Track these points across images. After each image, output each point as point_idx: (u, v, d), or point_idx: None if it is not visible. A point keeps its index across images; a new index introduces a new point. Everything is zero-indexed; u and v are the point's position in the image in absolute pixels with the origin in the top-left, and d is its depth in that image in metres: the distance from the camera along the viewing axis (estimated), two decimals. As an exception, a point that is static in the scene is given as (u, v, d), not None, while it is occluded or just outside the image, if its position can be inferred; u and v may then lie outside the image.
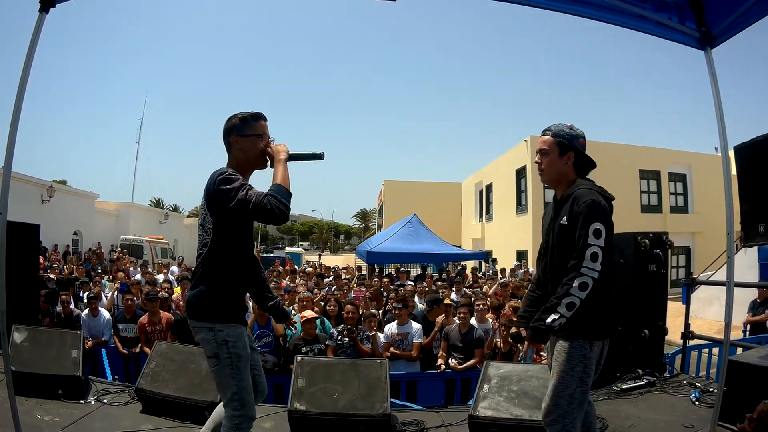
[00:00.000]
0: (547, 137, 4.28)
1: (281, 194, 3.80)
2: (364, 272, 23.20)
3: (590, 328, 3.93)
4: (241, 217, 3.92)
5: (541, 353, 9.15)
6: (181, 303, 11.29)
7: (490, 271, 24.92)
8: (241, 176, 3.96)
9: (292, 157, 4.17)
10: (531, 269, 23.28)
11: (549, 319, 3.79)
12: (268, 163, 4.21)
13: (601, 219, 3.82)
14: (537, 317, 3.96)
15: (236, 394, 3.97)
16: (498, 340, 9.26)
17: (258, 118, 4.22)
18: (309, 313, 8.84)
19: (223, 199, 3.78)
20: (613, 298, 4.09)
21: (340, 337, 8.85)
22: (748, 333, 13.09)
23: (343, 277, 17.83)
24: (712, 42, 5.10)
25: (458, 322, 9.37)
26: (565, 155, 4.23)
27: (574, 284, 3.73)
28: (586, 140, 4.32)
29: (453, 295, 13.78)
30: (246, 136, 4.14)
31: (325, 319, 9.75)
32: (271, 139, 4.25)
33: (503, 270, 23.99)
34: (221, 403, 4.24)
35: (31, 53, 4.53)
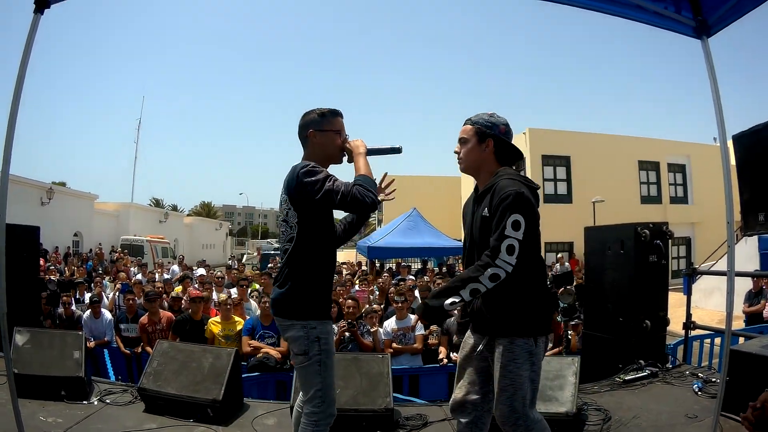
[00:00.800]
0: (466, 126, 4.18)
1: (368, 183, 3.89)
2: (364, 268, 23.20)
3: (533, 323, 3.83)
4: (329, 208, 4.01)
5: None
6: (184, 299, 11.29)
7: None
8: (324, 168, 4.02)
9: (371, 152, 4.27)
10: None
11: (448, 301, 3.63)
12: (345, 159, 4.31)
13: (521, 210, 3.64)
14: (433, 293, 3.82)
15: (320, 391, 3.98)
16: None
17: (335, 114, 4.28)
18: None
19: (309, 191, 3.83)
20: (547, 292, 4.12)
21: (337, 332, 8.85)
22: (748, 323, 13.14)
23: (344, 273, 17.80)
24: (708, 31, 5.09)
25: (457, 314, 9.36)
26: (484, 143, 4.08)
27: (485, 272, 3.57)
28: (509, 128, 4.17)
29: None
30: (324, 131, 4.20)
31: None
32: (347, 135, 4.33)
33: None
34: (297, 402, 4.34)
35: (27, 54, 4.51)
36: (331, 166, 4.27)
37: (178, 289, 13.73)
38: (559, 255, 28.23)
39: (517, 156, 4.20)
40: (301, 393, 4.16)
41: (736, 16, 4.94)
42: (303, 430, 3.98)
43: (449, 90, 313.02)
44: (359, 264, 24.83)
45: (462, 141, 4.16)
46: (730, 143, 5.36)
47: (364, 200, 3.76)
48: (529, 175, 31.99)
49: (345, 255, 57.42)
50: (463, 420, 4.16)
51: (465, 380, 4.22)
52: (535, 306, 3.83)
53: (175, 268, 24.79)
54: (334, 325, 9.24)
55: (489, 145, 4.06)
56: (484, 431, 4.14)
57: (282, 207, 4.13)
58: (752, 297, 13.35)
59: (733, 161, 6.03)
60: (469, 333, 4.24)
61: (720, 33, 5.16)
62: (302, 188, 3.85)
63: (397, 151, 4.43)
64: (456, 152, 4.23)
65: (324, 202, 3.81)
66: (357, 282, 15.43)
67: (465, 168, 4.21)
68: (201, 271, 20.40)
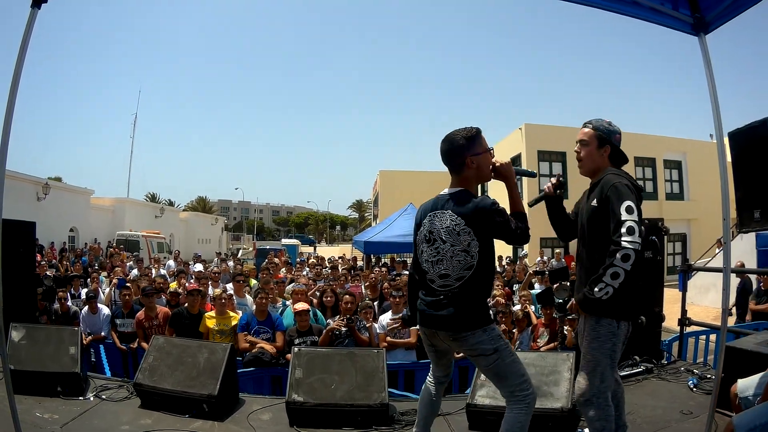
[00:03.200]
0: (587, 129, 4.55)
1: (525, 220, 4.29)
2: (360, 263, 23.21)
3: (618, 307, 4.14)
4: (504, 241, 4.28)
5: (537, 340, 9.20)
6: (181, 294, 11.29)
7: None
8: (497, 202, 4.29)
9: (515, 173, 4.64)
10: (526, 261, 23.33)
11: (596, 289, 3.98)
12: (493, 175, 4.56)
13: (630, 198, 4.03)
14: (586, 289, 4.12)
15: (523, 376, 4.24)
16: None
17: (480, 132, 4.42)
18: (301, 305, 8.81)
19: (501, 231, 4.17)
20: (639, 282, 4.26)
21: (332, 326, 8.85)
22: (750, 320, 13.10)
23: (339, 269, 17.80)
24: (705, 28, 5.08)
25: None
26: (602, 148, 4.50)
27: (617, 256, 3.87)
28: (620, 135, 4.58)
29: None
30: (479, 154, 4.36)
31: (317, 311, 9.72)
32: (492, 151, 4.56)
33: (499, 258, 24.02)
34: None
35: (24, 50, 4.50)
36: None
37: (174, 284, 13.73)
38: (557, 251, 28.20)
39: (624, 161, 4.64)
40: (500, 389, 4.37)
41: (734, 14, 4.94)
42: (519, 415, 4.17)
43: (445, 84, 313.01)
44: (354, 259, 24.83)
45: (582, 143, 4.58)
46: (726, 140, 5.38)
47: (526, 237, 4.22)
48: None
49: (340, 250, 57.51)
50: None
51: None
52: (625, 291, 4.02)
53: (171, 263, 24.78)
54: (329, 320, 9.26)
55: (607, 150, 4.51)
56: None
57: (456, 238, 4.23)
58: (761, 294, 13.33)
59: (729, 158, 6.04)
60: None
61: (717, 29, 5.16)
62: (494, 226, 4.16)
63: (532, 175, 5.11)
64: (576, 151, 4.66)
65: (506, 238, 4.20)
66: (350, 278, 15.37)
67: (585, 170, 4.65)
68: (199, 266, 20.41)
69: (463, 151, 4.31)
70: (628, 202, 4.00)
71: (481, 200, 4.23)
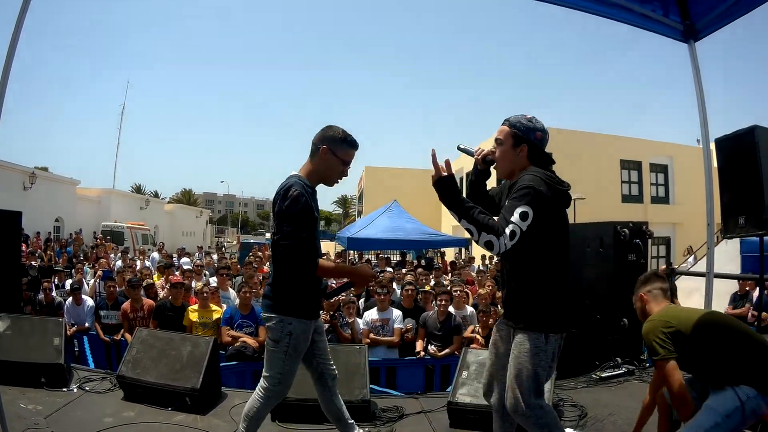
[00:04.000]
0: (503, 127, 4.10)
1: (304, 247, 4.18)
2: (350, 258, 23.29)
3: (546, 320, 3.85)
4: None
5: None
6: (165, 288, 11.32)
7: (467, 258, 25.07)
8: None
9: (331, 294, 5.01)
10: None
11: (458, 206, 3.68)
12: (335, 185, 4.63)
13: (531, 203, 3.57)
14: (454, 192, 3.74)
15: (280, 375, 4.36)
16: (477, 326, 9.35)
17: (353, 146, 4.51)
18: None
19: (279, 220, 4.19)
20: (569, 292, 4.00)
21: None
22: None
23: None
24: (695, 35, 5.14)
25: (436, 308, 9.41)
26: (518, 147, 4.00)
27: (486, 235, 3.52)
28: (546, 134, 4.08)
29: (433, 282, 13.79)
30: (335, 156, 4.41)
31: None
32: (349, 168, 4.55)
33: (483, 257, 24.09)
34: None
35: (15, 39, 4.50)
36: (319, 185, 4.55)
37: (156, 277, 13.75)
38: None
39: (549, 162, 4.10)
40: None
41: (724, 22, 4.99)
42: (257, 401, 4.41)
43: (431, 83, 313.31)
44: (338, 255, 24.83)
45: (497, 142, 4.12)
46: (713, 146, 5.42)
47: (287, 253, 4.14)
48: (510, 172, 32.12)
49: (324, 246, 57.43)
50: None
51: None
52: (553, 303, 3.87)
53: (155, 255, 24.74)
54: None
55: (523, 150, 4.00)
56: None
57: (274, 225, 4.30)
58: (737, 299, 13.41)
59: (715, 164, 6.09)
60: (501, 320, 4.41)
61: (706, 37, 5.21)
62: (277, 211, 4.23)
63: (471, 154, 4.42)
64: (492, 152, 4.21)
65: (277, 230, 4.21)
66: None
67: (500, 173, 4.23)
68: (185, 260, 20.40)
69: (326, 142, 4.40)
70: (524, 208, 3.55)
71: (286, 182, 4.31)
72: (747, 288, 13.48)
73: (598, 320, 7.86)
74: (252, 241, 40.91)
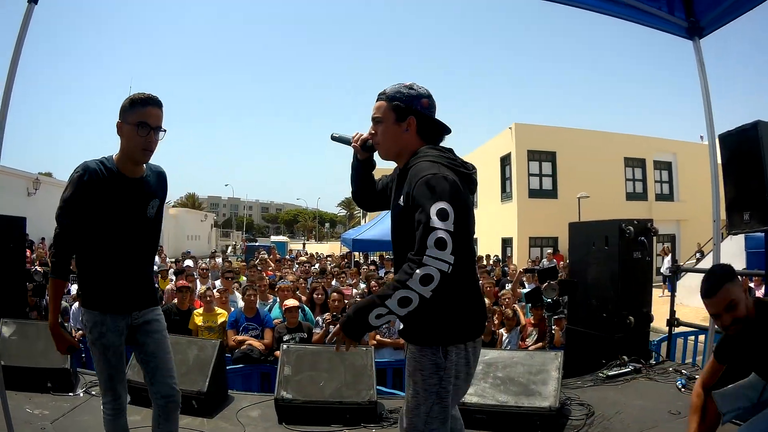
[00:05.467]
0: (380, 102, 3.36)
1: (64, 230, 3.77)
2: (357, 259, 23.32)
3: (444, 331, 3.14)
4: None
5: (526, 339, 9.21)
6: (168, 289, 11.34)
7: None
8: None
9: None
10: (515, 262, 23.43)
11: (373, 314, 2.95)
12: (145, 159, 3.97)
13: (445, 197, 2.93)
14: (357, 305, 3.10)
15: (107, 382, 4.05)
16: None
17: (144, 103, 3.77)
18: (291, 302, 8.84)
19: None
20: (475, 294, 3.35)
21: (324, 324, 8.87)
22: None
23: (328, 270, 17.81)
24: (700, 32, 5.12)
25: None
26: (404, 121, 3.29)
27: (414, 275, 2.83)
28: (433, 100, 3.40)
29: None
30: (128, 124, 3.76)
31: (306, 308, 9.74)
32: (163, 131, 3.90)
33: (487, 256, 24.10)
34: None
35: (20, 45, 4.50)
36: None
37: (162, 283, 13.78)
38: (548, 251, 28.28)
39: (444, 131, 3.45)
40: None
41: (728, 19, 4.97)
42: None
43: (433, 84, 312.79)
44: (344, 257, 24.83)
45: (376, 121, 3.39)
46: (717, 142, 5.40)
47: (58, 235, 3.80)
48: (514, 170, 32.02)
49: (330, 248, 57.48)
50: None
51: None
52: (452, 310, 3.14)
53: (156, 259, 24.74)
54: (319, 318, 9.28)
55: (411, 123, 3.30)
56: None
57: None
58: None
59: (719, 160, 6.07)
60: None
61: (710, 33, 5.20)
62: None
63: (347, 142, 3.74)
64: (372, 134, 3.47)
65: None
66: (347, 275, 15.33)
67: (384, 154, 3.49)
68: (188, 262, 20.38)
69: (120, 114, 3.79)
70: (440, 204, 2.90)
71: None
72: (752, 284, 13.45)
73: (604, 318, 7.84)
74: (257, 244, 40.96)
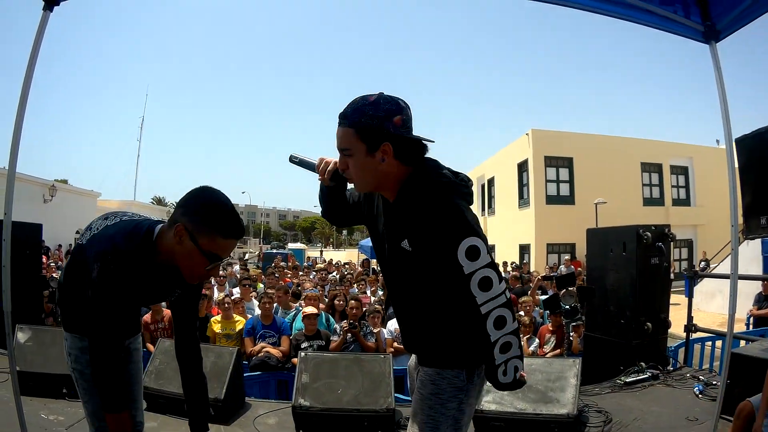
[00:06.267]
0: (344, 129, 2.72)
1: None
2: (373, 267, 23.32)
3: (470, 352, 2.78)
4: None
5: (544, 346, 9.17)
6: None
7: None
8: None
9: None
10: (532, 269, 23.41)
11: (503, 378, 2.67)
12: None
13: (468, 232, 2.56)
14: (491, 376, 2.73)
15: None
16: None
17: (231, 234, 2.98)
18: (310, 309, 8.83)
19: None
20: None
21: (341, 331, 8.86)
22: (751, 326, 13.12)
23: (345, 276, 17.81)
24: (716, 36, 5.07)
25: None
26: (378, 150, 2.68)
27: (489, 327, 2.56)
28: (406, 112, 2.74)
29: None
30: (195, 241, 2.89)
31: (329, 316, 9.73)
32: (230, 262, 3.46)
33: (505, 263, 24.06)
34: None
35: (35, 52, 4.50)
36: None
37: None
38: (566, 257, 28.21)
39: (420, 150, 2.80)
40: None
41: (745, 21, 4.92)
42: None
43: (450, 91, 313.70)
44: (363, 264, 24.84)
45: (345, 154, 2.78)
46: (734, 146, 5.37)
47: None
48: (531, 176, 31.98)
49: (347, 255, 57.50)
50: None
51: None
52: (468, 335, 2.71)
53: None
54: (337, 325, 9.28)
55: (387, 152, 2.68)
56: None
57: None
58: (762, 300, 13.34)
59: (736, 164, 6.03)
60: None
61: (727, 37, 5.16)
62: None
63: (312, 168, 3.14)
64: (342, 170, 2.87)
65: None
66: (355, 284, 15.29)
67: (362, 188, 2.96)
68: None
69: (186, 216, 2.90)
70: (467, 242, 2.53)
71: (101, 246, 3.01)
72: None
73: (622, 325, 7.81)
74: (275, 251, 40.95)
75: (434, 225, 2.57)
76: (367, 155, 2.68)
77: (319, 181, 3.12)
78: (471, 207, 2.76)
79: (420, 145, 2.78)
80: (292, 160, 3.20)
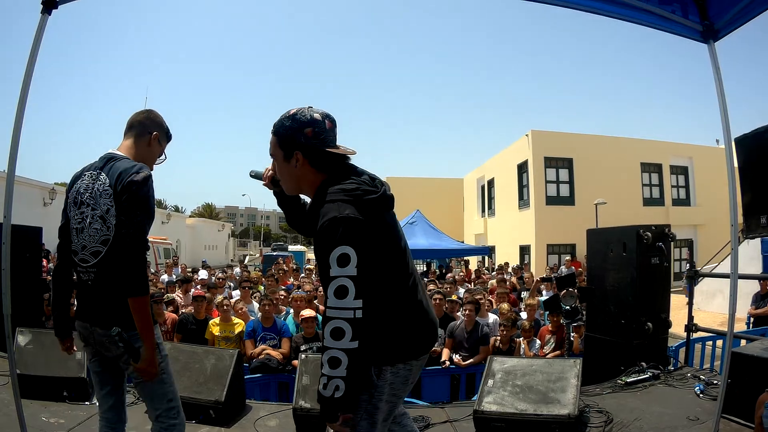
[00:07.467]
0: (272, 136, 3.20)
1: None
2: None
3: (377, 351, 3.02)
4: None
5: (544, 347, 9.18)
6: (181, 300, 11.36)
7: (494, 266, 25.15)
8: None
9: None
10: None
11: (320, 387, 2.85)
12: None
13: (344, 240, 2.78)
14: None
15: (172, 402, 3.93)
16: (497, 338, 9.28)
17: (169, 138, 4.26)
18: (308, 312, 8.85)
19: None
20: (414, 313, 3.20)
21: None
22: (752, 325, 13.11)
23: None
24: (715, 35, 5.08)
25: (463, 318, 9.36)
26: (292, 158, 3.10)
27: (326, 335, 2.76)
28: (325, 123, 3.10)
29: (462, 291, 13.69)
30: (160, 146, 4.14)
31: (321, 317, 9.71)
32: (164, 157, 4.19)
33: (506, 264, 24.05)
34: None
35: (34, 55, 4.51)
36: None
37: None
38: (566, 258, 28.19)
39: (338, 161, 3.15)
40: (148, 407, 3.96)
41: (743, 20, 4.93)
42: None
43: (450, 92, 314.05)
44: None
45: (272, 157, 3.26)
46: (733, 146, 5.37)
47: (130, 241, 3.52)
48: (531, 177, 31.95)
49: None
50: None
51: None
52: (384, 332, 3.03)
53: (178, 270, 24.82)
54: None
55: (299, 159, 3.09)
56: None
57: (106, 205, 3.66)
58: (759, 299, 13.33)
59: (735, 163, 6.04)
60: None
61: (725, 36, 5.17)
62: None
63: (258, 177, 3.64)
64: (273, 174, 3.40)
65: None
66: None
67: (287, 190, 3.37)
68: (202, 272, 20.40)
69: (156, 128, 4.07)
70: (340, 250, 2.76)
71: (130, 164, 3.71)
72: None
73: (622, 325, 7.81)
74: (275, 254, 40.98)
75: (321, 234, 2.82)
76: (284, 160, 3.13)
77: (265, 187, 3.53)
78: (377, 211, 3.01)
79: (332, 155, 3.09)
80: (250, 174, 3.68)
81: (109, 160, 3.78)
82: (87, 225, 3.73)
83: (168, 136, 4.20)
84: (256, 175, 3.61)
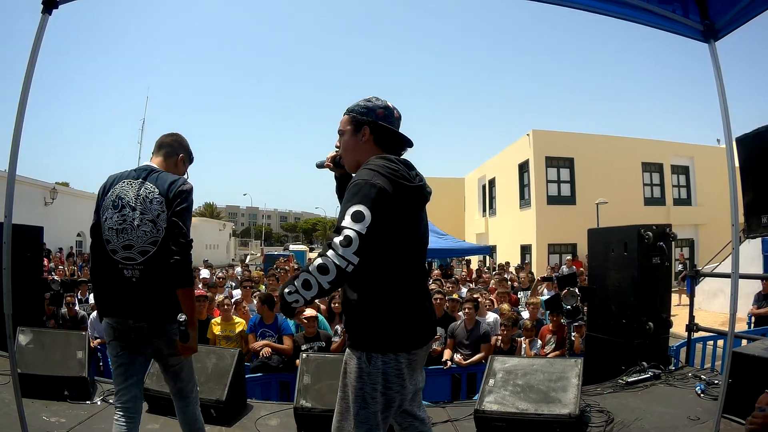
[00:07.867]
0: (344, 116, 3.54)
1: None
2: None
3: (370, 337, 3.23)
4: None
5: (545, 347, 9.17)
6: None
7: (495, 266, 25.14)
8: None
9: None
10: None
11: (286, 290, 3.01)
12: None
13: (366, 201, 2.98)
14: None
15: (194, 377, 4.55)
16: (498, 337, 9.27)
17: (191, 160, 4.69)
18: (309, 311, 8.86)
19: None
20: (412, 306, 3.32)
21: (341, 333, 8.84)
22: (752, 325, 13.09)
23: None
24: (715, 35, 5.07)
25: (463, 317, 9.36)
26: (360, 132, 3.42)
27: (315, 263, 2.94)
28: (390, 111, 3.50)
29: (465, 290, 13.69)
30: (185, 165, 4.62)
31: (322, 317, 9.68)
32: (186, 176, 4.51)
33: (507, 264, 24.04)
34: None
35: (34, 55, 4.51)
36: None
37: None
38: (567, 257, 28.16)
39: (403, 143, 3.55)
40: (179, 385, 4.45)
41: (744, 20, 4.92)
42: (197, 409, 4.57)
43: (451, 92, 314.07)
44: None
45: (339, 134, 3.56)
46: (734, 145, 5.37)
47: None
48: (532, 177, 31.91)
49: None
50: None
51: None
52: (380, 317, 3.21)
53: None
54: (338, 326, 9.28)
55: (365, 133, 3.42)
56: None
57: (157, 210, 4.07)
58: (761, 299, 13.31)
59: (736, 163, 6.03)
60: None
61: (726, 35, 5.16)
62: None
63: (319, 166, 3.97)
64: (336, 148, 3.68)
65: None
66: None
67: (348, 166, 3.60)
68: (204, 271, 20.41)
69: (183, 151, 4.58)
70: (358, 207, 2.96)
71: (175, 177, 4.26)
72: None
73: (623, 325, 7.81)
74: (276, 253, 40.98)
75: (348, 190, 3.11)
76: (352, 134, 3.46)
77: (329, 171, 3.84)
78: (415, 201, 3.30)
79: (396, 136, 3.50)
80: (316, 165, 3.94)
81: (150, 171, 4.21)
82: (134, 226, 4.04)
83: (191, 159, 4.65)
84: (320, 164, 3.89)
